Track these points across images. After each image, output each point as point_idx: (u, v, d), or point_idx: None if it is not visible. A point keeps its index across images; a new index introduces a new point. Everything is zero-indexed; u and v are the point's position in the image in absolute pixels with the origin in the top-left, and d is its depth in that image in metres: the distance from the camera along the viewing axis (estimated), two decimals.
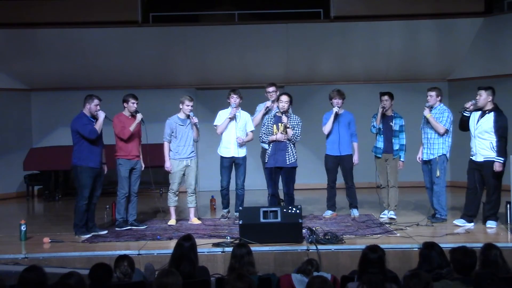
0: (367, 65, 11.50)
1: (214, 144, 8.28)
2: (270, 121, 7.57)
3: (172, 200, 7.78)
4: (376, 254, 4.10)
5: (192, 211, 7.86)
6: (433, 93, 7.54)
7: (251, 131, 8.00)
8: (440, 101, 7.56)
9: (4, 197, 11.23)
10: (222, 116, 8.01)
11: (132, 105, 7.45)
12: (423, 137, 7.63)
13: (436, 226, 7.21)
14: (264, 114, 8.02)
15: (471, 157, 7.12)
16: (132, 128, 7.38)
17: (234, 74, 11.53)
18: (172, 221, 7.73)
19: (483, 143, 6.94)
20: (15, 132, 11.65)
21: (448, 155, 7.52)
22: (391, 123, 7.85)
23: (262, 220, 6.35)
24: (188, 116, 7.66)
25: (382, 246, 4.30)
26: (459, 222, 7.15)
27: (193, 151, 7.75)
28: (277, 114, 7.58)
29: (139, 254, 6.04)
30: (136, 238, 6.85)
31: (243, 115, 8.04)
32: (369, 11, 10.86)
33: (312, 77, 11.80)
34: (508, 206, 7.08)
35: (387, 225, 7.24)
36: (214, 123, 8.02)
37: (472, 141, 7.08)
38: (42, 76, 11.51)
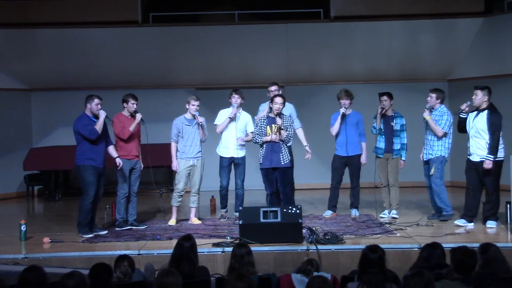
0: (367, 65, 11.50)
1: (214, 144, 8.28)
2: (264, 122, 7.59)
3: (176, 200, 7.77)
4: (376, 254, 4.10)
5: (193, 211, 7.86)
6: (433, 95, 7.54)
7: (252, 132, 8.00)
8: (441, 103, 7.56)
9: (4, 197, 11.22)
10: (222, 115, 8.01)
11: (132, 105, 7.46)
12: (425, 137, 7.64)
13: (436, 226, 7.22)
14: None
15: (468, 156, 7.12)
16: (132, 128, 7.39)
17: (234, 74, 11.52)
18: (172, 221, 7.73)
19: (479, 143, 6.93)
20: (15, 132, 11.63)
21: (447, 157, 7.53)
22: (392, 123, 7.85)
23: (262, 220, 6.34)
24: (194, 116, 7.68)
25: (382, 246, 4.30)
26: (460, 222, 7.15)
27: (199, 151, 7.74)
28: (270, 115, 7.60)
29: (139, 254, 6.04)
30: (136, 238, 6.85)
31: (243, 115, 8.04)
32: (369, 11, 10.85)
33: (312, 77, 11.80)
34: (508, 206, 7.08)
35: (387, 225, 7.25)
36: (215, 122, 8.03)
37: (469, 141, 7.08)
38: (42, 76, 11.51)
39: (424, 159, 7.62)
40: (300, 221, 6.35)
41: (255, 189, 9.13)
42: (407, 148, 7.91)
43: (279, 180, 7.56)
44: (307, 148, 8.08)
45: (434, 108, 7.53)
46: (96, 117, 7.07)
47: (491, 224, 6.99)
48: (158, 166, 8.62)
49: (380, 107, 7.84)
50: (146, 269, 5.20)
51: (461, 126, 7.20)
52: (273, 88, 8.09)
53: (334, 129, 7.98)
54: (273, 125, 7.51)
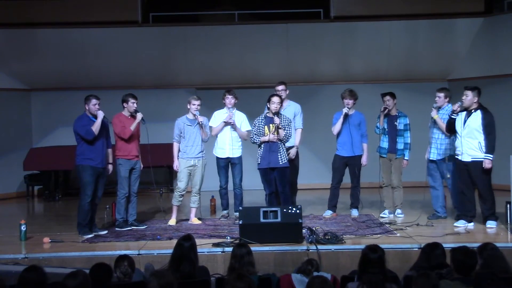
0: (367, 65, 11.50)
1: (212, 145, 8.27)
2: (261, 122, 7.57)
3: (176, 199, 7.77)
4: (376, 254, 4.10)
5: (193, 211, 7.86)
6: (441, 94, 7.54)
7: (247, 131, 8.00)
8: (448, 101, 7.55)
9: (4, 197, 11.21)
10: (217, 117, 8.02)
11: (132, 105, 7.46)
12: (431, 136, 7.62)
13: (436, 226, 7.22)
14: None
15: (456, 156, 7.10)
16: (132, 127, 7.39)
17: (234, 74, 11.52)
18: (172, 221, 7.73)
19: (471, 143, 6.91)
20: (15, 132, 11.63)
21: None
22: (395, 123, 7.84)
23: (262, 220, 6.35)
24: (195, 116, 7.67)
25: (382, 246, 4.30)
26: (459, 223, 7.14)
27: (201, 151, 7.74)
28: (267, 115, 7.59)
29: (139, 254, 6.05)
30: (136, 238, 6.86)
31: (238, 115, 8.04)
32: (369, 11, 10.85)
33: (312, 77, 11.79)
34: (508, 206, 7.07)
35: (387, 225, 7.25)
36: (209, 124, 8.00)
37: (458, 141, 7.03)
38: (42, 76, 11.50)
39: (430, 158, 7.59)
40: (300, 221, 6.35)
41: (255, 189, 9.12)
42: (411, 147, 7.90)
43: (278, 180, 7.54)
44: (294, 148, 8.03)
45: (442, 107, 7.52)
46: (96, 117, 7.07)
47: (491, 224, 6.99)
48: (158, 166, 8.61)
49: (384, 107, 7.84)
50: (146, 269, 5.20)
51: (451, 127, 7.18)
52: (280, 87, 8.07)
53: (336, 128, 7.97)
54: (271, 125, 7.49)
